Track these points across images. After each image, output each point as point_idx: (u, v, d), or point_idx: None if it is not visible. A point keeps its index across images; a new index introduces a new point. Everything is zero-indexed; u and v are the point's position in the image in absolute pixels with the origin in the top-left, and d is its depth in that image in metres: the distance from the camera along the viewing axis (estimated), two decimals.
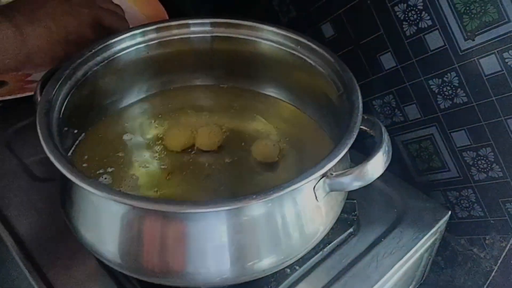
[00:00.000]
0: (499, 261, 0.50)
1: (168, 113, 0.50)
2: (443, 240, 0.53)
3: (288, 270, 0.43)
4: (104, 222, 0.35)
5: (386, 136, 0.36)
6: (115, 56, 0.45)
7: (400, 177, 0.53)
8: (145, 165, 0.45)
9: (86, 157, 0.44)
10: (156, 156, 0.46)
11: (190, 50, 0.49)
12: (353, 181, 0.35)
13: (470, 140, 0.47)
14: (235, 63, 0.50)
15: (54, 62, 0.44)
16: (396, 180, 0.52)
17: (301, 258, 0.39)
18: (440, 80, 0.46)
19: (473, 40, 0.42)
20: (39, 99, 0.39)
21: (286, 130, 0.49)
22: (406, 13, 0.45)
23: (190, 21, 0.48)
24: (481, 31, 0.41)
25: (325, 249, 0.45)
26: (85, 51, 0.43)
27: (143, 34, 0.47)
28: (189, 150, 0.47)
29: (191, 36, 0.49)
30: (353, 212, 0.47)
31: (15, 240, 0.45)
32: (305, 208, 0.36)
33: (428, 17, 0.44)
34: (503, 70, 0.41)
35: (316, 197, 0.35)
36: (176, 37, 0.48)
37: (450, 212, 0.50)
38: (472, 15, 0.41)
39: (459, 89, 0.45)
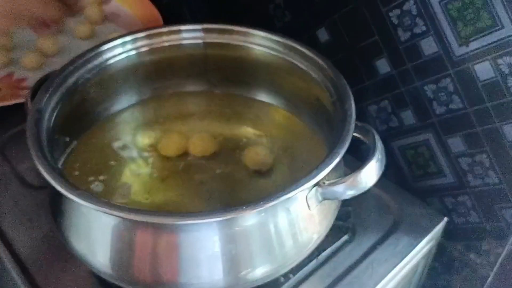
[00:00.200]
0: (496, 267, 0.50)
1: (161, 120, 0.50)
2: (440, 246, 0.53)
3: (282, 279, 0.42)
4: (95, 233, 0.34)
5: (379, 144, 0.36)
6: (106, 63, 0.45)
7: (396, 183, 0.53)
8: (138, 172, 0.45)
9: (78, 164, 0.44)
10: (149, 163, 0.45)
11: (182, 57, 0.49)
12: (346, 190, 0.35)
13: (466, 146, 0.46)
14: (228, 69, 0.50)
15: None
16: (392, 186, 0.52)
17: (295, 266, 0.39)
18: (435, 85, 0.46)
19: (467, 46, 0.41)
20: (29, 107, 0.38)
21: (280, 136, 0.48)
22: (400, 18, 0.45)
23: (182, 28, 0.48)
24: (475, 37, 0.41)
25: (320, 257, 0.44)
26: (76, 58, 0.43)
27: (134, 41, 0.47)
28: (182, 156, 0.46)
29: (183, 43, 0.48)
30: (348, 219, 0.47)
31: (7, 248, 0.45)
32: (298, 217, 0.35)
33: (422, 23, 0.43)
34: (497, 76, 0.41)
35: (308, 206, 0.35)
36: (167, 44, 0.48)
37: (446, 218, 0.50)
38: (466, 21, 0.41)
39: (454, 95, 0.45)
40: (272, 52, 0.46)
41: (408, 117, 0.50)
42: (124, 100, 0.50)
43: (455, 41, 0.42)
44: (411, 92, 0.48)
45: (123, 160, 0.45)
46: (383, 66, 0.49)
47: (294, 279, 0.43)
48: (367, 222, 0.48)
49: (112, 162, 0.45)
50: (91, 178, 0.43)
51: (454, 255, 0.53)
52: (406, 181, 0.53)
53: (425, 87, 0.47)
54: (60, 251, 0.43)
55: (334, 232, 0.46)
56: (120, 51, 0.46)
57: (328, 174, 0.34)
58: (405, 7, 0.44)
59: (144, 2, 0.70)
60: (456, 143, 0.47)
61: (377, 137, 0.36)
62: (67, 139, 0.44)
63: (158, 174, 0.44)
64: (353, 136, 0.36)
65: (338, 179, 0.35)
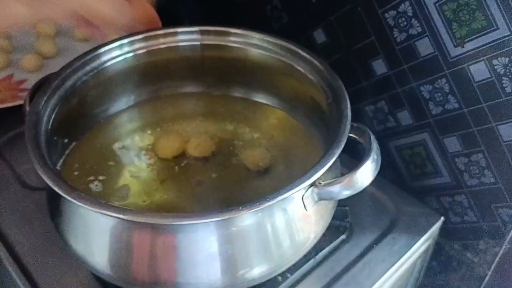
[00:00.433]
0: (493, 266, 0.50)
1: (159, 121, 0.50)
2: (437, 245, 0.53)
3: (280, 278, 0.42)
4: (93, 234, 0.35)
5: (375, 145, 0.36)
6: (104, 65, 0.45)
7: (393, 182, 0.53)
8: (136, 173, 0.45)
9: (77, 165, 0.44)
10: (147, 164, 0.46)
11: (179, 58, 0.49)
12: (342, 190, 0.35)
13: (462, 145, 0.47)
14: (225, 70, 0.50)
15: None
16: (389, 186, 0.52)
17: (292, 265, 0.39)
18: (431, 86, 0.46)
19: (463, 47, 0.42)
20: (28, 109, 0.39)
21: (278, 136, 0.49)
22: (396, 19, 0.45)
23: (179, 30, 0.48)
24: (470, 38, 0.41)
25: (317, 257, 0.44)
26: (74, 61, 0.43)
27: (132, 43, 0.47)
28: (180, 158, 0.47)
29: (180, 45, 0.49)
30: (346, 218, 0.47)
31: (7, 248, 0.45)
32: (295, 217, 0.36)
33: (418, 24, 0.44)
34: (492, 77, 0.41)
35: (305, 207, 0.35)
36: (164, 46, 0.48)
37: (443, 218, 0.50)
38: (461, 22, 0.41)
39: (449, 95, 0.45)
40: (269, 53, 0.47)
41: (405, 117, 0.50)
42: (122, 102, 0.50)
43: (451, 42, 0.42)
44: (408, 93, 0.48)
45: (121, 161, 0.46)
46: (379, 66, 0.49)
47: (291, 278, 0.43)
48: (364, 222, 0.48)
49: (111, 163, 0.45)
50: (90, 179, 0.43)
51: (451, 254, 0.53)
52: (403, 180, 0.54)
53: (421, 88, 0.47)
54: (59, 252, 0.43)
55: (332, 232, 0.46)
56: (117, 53, 0.46)
57: (324, 175, 0.34)
58: (400, 8, 0.44)
59: (143, 4, 0.70)
60: (453, 143, 0.47)
61: (372, 137, 0.37)
62: (66, 140, 0.44)
63: (156, 175, 0.45)
64: (349, 137, 0.36)
65: (334, 179, 0.35)
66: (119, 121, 0.50)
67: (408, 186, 0.53)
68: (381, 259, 0.45)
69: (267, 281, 0.40)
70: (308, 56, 0.44)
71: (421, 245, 0.48)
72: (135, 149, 0.47)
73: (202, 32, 0.48)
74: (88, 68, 0.44)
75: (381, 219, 0.49)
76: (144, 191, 0.43)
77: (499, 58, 0.40)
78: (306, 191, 0.35)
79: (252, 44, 0.47)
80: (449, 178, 0.49)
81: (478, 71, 0.42)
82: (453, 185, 0.49)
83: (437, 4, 0.42)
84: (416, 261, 0.50)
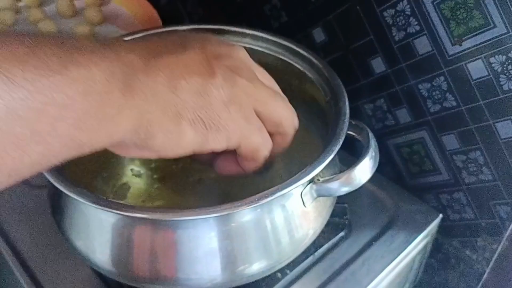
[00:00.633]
0: (491, 263, 0.51)
1: None
2: (436, 242, 0.54)
3: (279, 274, 0.43)
4: (94, 231, 0.35)
5: (373, 142, 0.37)
6: None
7: (392, 180, 0.53)
8: (137, 169, 0.45)
9: (77, 162, 0.44)
10: (147, 163, 0.46)
11: None
12: (340, 186, 0.35)
13: (460, 143, 0.47)
14: None
15: None
16: (388, 183, 0.53)
17: (292, 262, 0.39)
18: (429, 84, 0.46)
19: (460, 45, 0.42)
20: None
21: None
22: (395, 18, 0.46)
23: (178, 28, 0.48)
24: (467, 36, 0.41)
25: (316, 253, 0.45)
26: None
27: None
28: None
29: None
30: (344, 215, 0.48)
31: (9, 245, 0.45)
32: (293, 214, 0.36)
33: (416, 23, 0.44)
34: (489, 75, 0.41)
35: (303, 203, 0.35)
36: None
37: (441, 215, 0.51)
38: (459, 21, 0.41)
39: (447, 93, 0.45)
40: (267, 52, 0.47)
41: (404, 115, 0.50)
42: None
43: (448, 40, 0.43)
44: (406, 91, 0.49)
45: (122, 159, 0.46)
46: (378, 65, 0.49)
47: (291, 275, 0.43)
48: (363, 219, 0.49)
49: (113, 160, 0.45)
50: (91, 176, 0.43)
51: (450, 251, 0.54)
52: (402, 178, 0.54)
53: (420, 86, 0.47)
54: (61, 248, 0.44)
55: (331, 229, 0.46)
56: None
57: (322, 171, 0.34)
58: (399, 7, 0.45)
59: (143, 3, 0.70)
60: (451, 141, 0.48)
61: (370, 135, 0.37)
62: None
63: (158, 171, 0.45)
64: (347, 134, 0.37)
65: (332, 176, 0.35)
66: None
67: (407, 183, 0.54)
68: (380, 256, 0.46)
69: (266, 277, 0.41)
70: (307, 55, 0.44)
71: (420, 242, 0.49)
72: None
73: (201, 31, 0.49)
74: None
75: (379, 216, 0.50)
76: (145, 187, 0.44)
77: (496, 56, 0.40)
78: (305, 188, 0.35)
79: (251, 42, 0.47)
80: (447, 175, 0.50)
81: (476, 69, 0.42)
82: (452, 183, 0.50)
83: (435, 3, 0.42)
84: (415, 258, 0.50)
